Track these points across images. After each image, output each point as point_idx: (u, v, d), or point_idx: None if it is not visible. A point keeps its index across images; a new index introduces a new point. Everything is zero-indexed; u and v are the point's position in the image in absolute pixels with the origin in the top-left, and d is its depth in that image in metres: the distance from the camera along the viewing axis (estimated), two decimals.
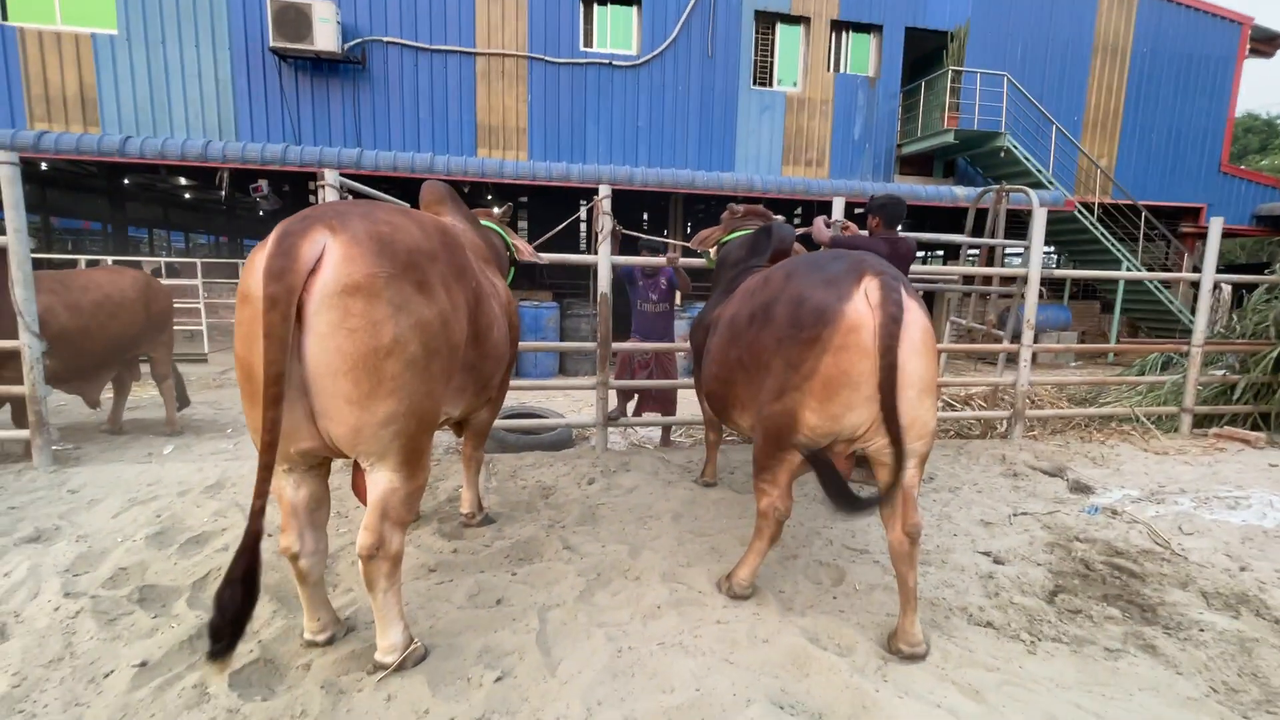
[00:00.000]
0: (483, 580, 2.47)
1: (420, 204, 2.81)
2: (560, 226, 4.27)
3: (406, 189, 6.69)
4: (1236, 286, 9.62)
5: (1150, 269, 12.32)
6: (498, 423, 4.51)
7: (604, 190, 3.93)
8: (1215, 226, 4.93)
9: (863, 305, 2.00)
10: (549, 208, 14.64)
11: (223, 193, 8.33)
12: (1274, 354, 5.09)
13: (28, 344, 3.41)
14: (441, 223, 1.91)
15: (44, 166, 10.76)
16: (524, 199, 14.55)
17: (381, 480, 1.74)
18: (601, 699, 1.83)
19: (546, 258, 4.24)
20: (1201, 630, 2.31)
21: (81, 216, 18.52)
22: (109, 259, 8.15)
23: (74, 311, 3.97)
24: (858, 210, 4.33)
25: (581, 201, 13.50)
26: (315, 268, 1.54)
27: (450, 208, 2.75)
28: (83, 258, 8.67)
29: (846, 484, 2.07)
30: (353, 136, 9.70)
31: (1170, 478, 4.05)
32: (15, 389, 3.49)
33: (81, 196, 15.23)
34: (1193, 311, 11.83)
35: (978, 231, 5.58)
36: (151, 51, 9.12)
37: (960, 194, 10.09)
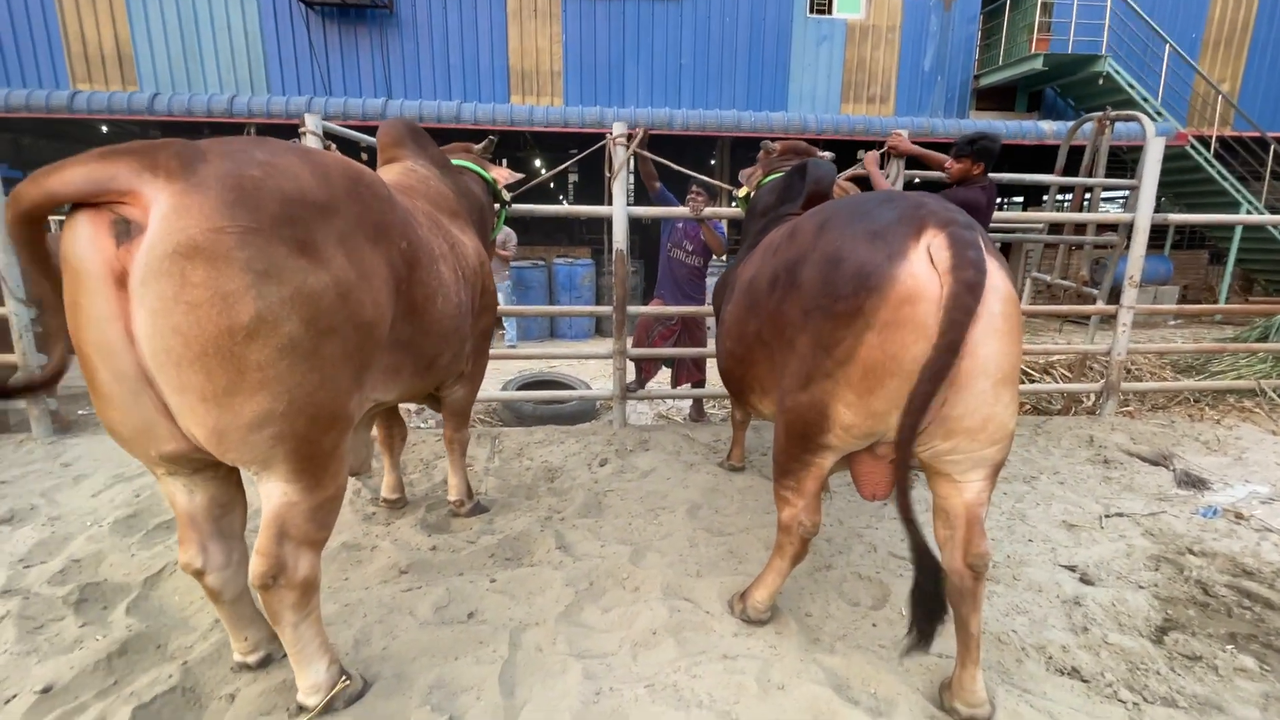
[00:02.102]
0: (456, 587, 2.14)
1: (378, 147, 2.42)
2: (552, 173, 3.77)
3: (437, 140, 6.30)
4: None
5: (1275, 211, 10.70)
6: (516, 393, 4.19)
7: (618, 129, 3.40)
8: None
9: (923, 267, 1.47)
10: (594, 158, 14.00)
11: None
12: None
13: (14, 311, 3.26)
14: (354, 167, 1.48)
15: (104, 129, 10.95)
16: (573, 150, 13.83)
17: (274, 493, 1.38)
18: None
19: (562, 210, 3.79)
20: None
21: None
22: None
23: None
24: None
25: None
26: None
27: (411, 149, 2.35)
28: None
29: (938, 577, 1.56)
30: (382, 86, 9.33)
31: None
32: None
33: None
34: None
35: (1070, 171, 4.71)
36: (181, 3, 8.92)
37: (1048, 130, 8.86)
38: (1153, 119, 9.16)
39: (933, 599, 1.56)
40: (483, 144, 2.83)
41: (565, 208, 3.69)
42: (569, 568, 2.29)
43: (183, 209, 1.14)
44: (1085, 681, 1.80)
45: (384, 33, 9.24)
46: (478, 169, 2.64)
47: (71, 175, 1.14)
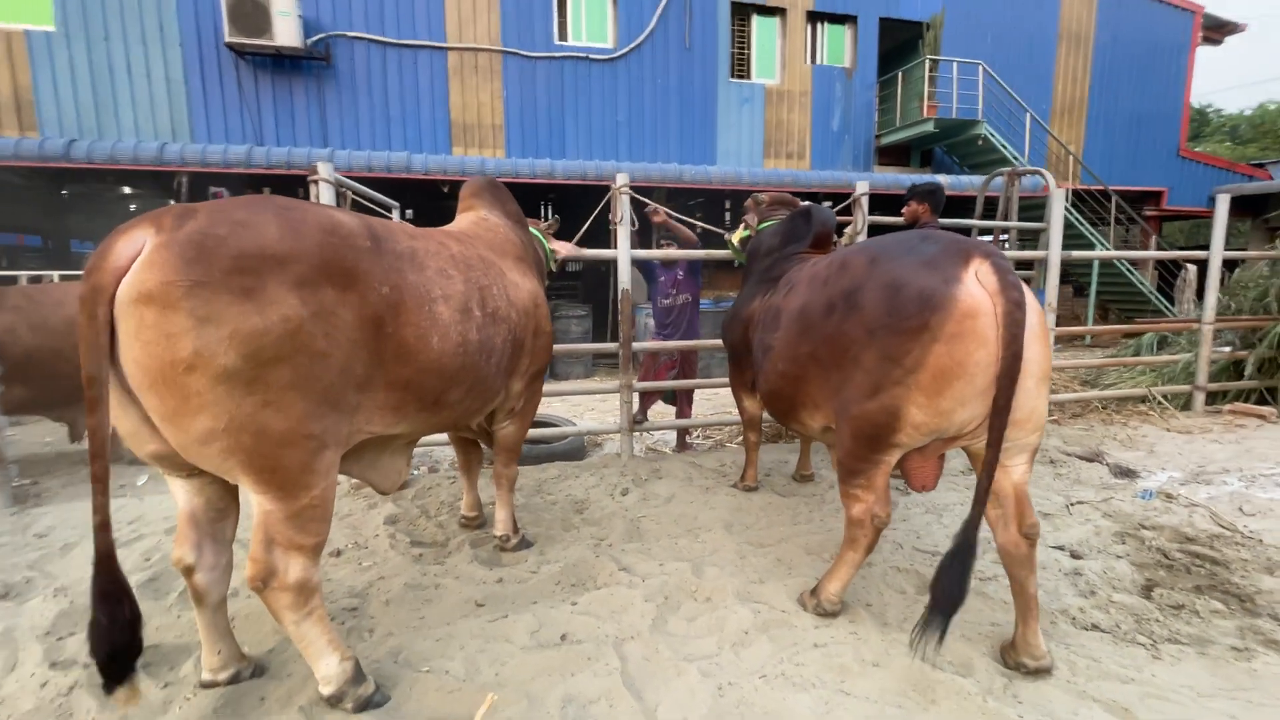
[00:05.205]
0: (541, 613, 2.19)
1: (460, 197, 2.62)
2: (589, 222, 4.02)
3: (386, 191, 6.27)
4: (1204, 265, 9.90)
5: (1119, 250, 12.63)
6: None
7: (621, 179, 3.67)
8: (1222, 204, 4.94)
9: (976, 289, 1.80)
10: (526, 208, 14.21)
11: (183, 200, 7.74)
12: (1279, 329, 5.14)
13: None
14: (331, 221, 1.60)
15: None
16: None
17: (255, 500, 1.54)
18: None
19: (584, 252, 3.96)
20: None
21: (16, 230, 17.21)
22: (54, 275, 7.46)
23: (40, 331, 3.52)
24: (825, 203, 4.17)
25: (554, 199, 13.13)
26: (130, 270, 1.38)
27: (487, 202, 2.59)
28: (23, 274, 7.92)
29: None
30: (319, 137, 9.18)
31: (1206, 457, 4.00)
32: None
33: (14, 208, 14.10)
34: (1160, 292, 12.22)
35: (987, 217, 5.50)
36: (94, 49, 8.43)
37: (945, 182, 10.10)
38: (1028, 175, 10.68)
39: (960, 580, 1.79)
40: (548, 223, 3.12)
41: (582, 251, 3.87)
42: (640, 586, 2.39)
43: (150, 263, 1.36)
44: (1107, 633, 2.14)
45: (321, 84, 9.15)
46: (543, 239, 2.90)
47: (119, 253, 1.37)
